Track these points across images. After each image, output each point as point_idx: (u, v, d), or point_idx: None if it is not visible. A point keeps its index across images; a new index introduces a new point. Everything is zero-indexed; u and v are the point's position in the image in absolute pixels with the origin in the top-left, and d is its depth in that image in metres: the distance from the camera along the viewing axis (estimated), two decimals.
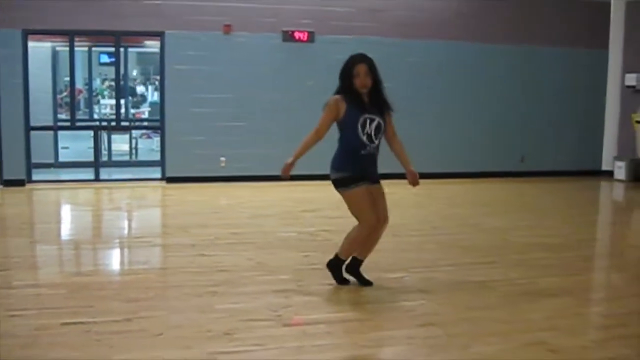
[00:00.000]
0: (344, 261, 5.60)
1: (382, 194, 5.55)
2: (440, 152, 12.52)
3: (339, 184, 5.45)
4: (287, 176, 5.47)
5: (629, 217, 10.59)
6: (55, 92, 13.86)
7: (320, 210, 9.25)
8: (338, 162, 5.44)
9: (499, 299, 5.38)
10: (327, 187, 10.80)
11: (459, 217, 9.12)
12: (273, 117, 11.69)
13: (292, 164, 5.42)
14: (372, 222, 5.37)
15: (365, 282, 5.58)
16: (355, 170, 5.33)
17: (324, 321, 4.75)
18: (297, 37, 11.65)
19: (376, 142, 5.37)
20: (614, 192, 12.33)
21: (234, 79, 11.47)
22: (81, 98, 17.97)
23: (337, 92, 5.43)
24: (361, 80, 5.32)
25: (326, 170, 11.99)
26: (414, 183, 5.57)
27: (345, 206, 9.48)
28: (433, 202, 10.33)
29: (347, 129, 5.33)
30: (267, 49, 11.59)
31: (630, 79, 12.73)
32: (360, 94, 5.36)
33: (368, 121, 5.29)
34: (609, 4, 13.09)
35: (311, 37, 11.69)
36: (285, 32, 11.56)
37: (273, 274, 5.90)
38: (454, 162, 12.64)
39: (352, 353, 4.31)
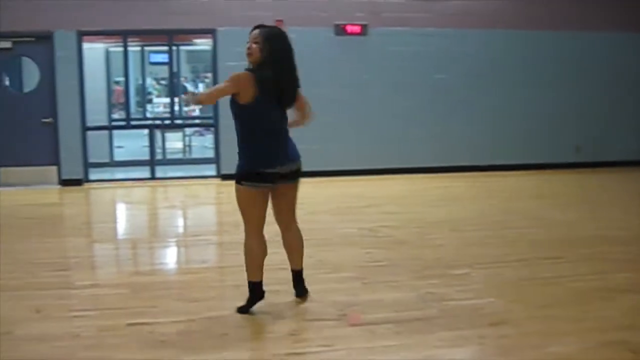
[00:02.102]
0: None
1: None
2: (494, 144, 12.25)
3: None
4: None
5: None
6: (109, 93, 13.98)
7: (379, 206, 9.10)
8: None
9: (570, 295, 5.18)
10: (381, 181, 10.85)
11: (520, 210, 8.87)
12: (326, 113, 11.54)
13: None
14: None
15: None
16: None
17: (392, 320, 4.62)
18: (349, 31, 11.50)
19: None
20: None
21: None
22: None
23: None
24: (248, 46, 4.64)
25: (380, 164, 11.82)
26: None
27: (403, 201, 9.44)
28: (490, 196, 10.11)
29: None
30: (319, 43, 11.46)
31: None
32: None
33: None
34: None
35: (364, 30, 11.53)
36: (337, 26, 11.42)
37: (336, 272, 5.79)
38: (508, 154, 12.33)
39: (423, 354, 4.13)
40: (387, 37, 11.54)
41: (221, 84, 4.73)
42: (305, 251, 6.43)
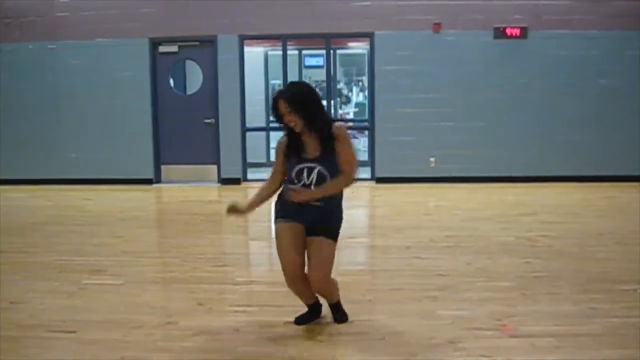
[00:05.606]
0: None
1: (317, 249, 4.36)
2: None
3: None
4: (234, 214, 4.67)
5: None
6: (267, 95, 14.36)
7: (537, 214, 8.78)
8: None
9: None
10: (541, 189, 10.50)
11: None
12: (483, 117, 11.35)
13: (243, 212, 4.67)
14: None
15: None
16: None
17: (553, 334, 4.42)
18: (509, 34, 11.20)
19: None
20: None
21: (443, 79, 11.26)
22: None
23: None
24: (287, 119, 4.24)
25: (535, 171, 11.34)
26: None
27: (562, 210, 9.07)
28: None
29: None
30: (477, 46, 11.26)
31: None
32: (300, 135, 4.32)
33: (306, 170, 4.32)
34: None
35: (524, 33, 11.20)
36: (496, 29, 11.17)
37: (494, 281, 5.63)
38: None
39: None
40: (548, 40, 11.14)
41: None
42: (464, 258, 6.40)
